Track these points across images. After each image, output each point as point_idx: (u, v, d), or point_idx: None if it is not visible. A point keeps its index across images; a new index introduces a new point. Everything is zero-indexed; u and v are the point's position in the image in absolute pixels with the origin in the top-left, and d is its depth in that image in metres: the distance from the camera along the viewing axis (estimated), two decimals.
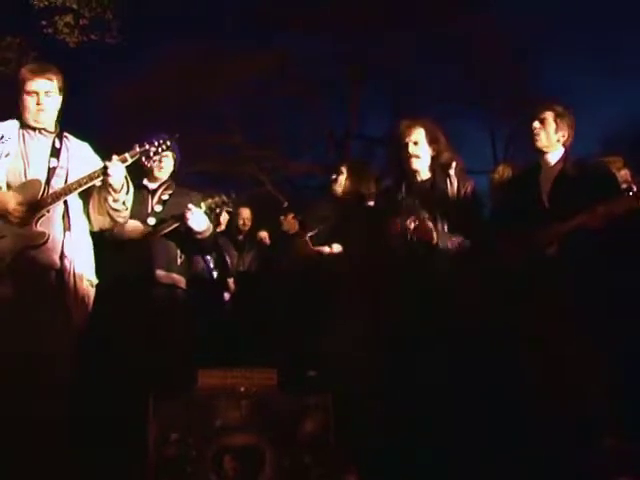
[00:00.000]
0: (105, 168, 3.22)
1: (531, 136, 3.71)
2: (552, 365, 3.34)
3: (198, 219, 3.90)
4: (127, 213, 3.52)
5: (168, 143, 3.53)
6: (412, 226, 3.63)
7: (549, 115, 3.67)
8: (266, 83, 15.17)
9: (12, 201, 3.11)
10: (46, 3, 11.17)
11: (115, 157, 3.26)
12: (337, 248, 4.32)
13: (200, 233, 3.94)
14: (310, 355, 4.12)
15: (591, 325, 3.30)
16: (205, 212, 3.98)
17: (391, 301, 3.53)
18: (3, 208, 3.10)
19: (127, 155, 3.33)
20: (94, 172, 3.23)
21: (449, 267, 3.54)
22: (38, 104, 3.24)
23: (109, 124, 13.13)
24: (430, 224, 3.61)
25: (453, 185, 3.72)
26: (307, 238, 4.38)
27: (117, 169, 3.25)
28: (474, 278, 3.57)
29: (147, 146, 3.41)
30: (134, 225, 3.84)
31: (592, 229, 3.35)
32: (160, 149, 3.47)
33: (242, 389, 3.01)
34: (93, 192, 3.33)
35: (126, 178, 3.35)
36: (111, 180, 3.23)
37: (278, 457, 2.91)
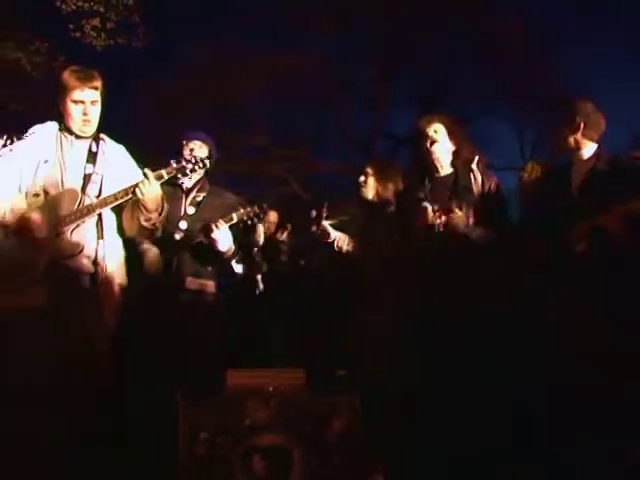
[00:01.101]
0: (136, 186, 3.19)
1: (561, 140, 3.69)
2: (583, 362, 3.31)
3: (223, 237, 3.88)
4: (157, 234, 3.53)
5: (206, 162, 3.47)
6: (438, 215, 3.63)
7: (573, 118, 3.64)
8: (292, 83, 15.16)
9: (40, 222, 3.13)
10: (74, 7, 11.27)
11: (150, 173, 3.23)
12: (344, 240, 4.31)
13: (222, 253, 3.94)
14: (338, 355, 4.12)
15: (622, 322, 3.27)
16: (235, 223, 3.96)
17: (418, 297, 3.52)
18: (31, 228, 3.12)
19: (163, 172, 3.28)
20: (130, 186, 3.21)
21: (475, 258, 3.53)
22: (85, 114, 3.26)
23: (136, 125, 13.22)
24: (456, 209, 3.60)
25: (477, 180, 3.72)
26: (324, 225, 4.34)
27: (151, 187, 3.21)
28: (499, 272, 3.55)
29: (184, 163, 3.36)
30: (154, 255, 3.86)
31: (613, 232, 3.31)
32: (197, 167, 3.41)
33: (271, 389, 3.01)
34: (126, 206, 3.32)
35: (162, 198, 3.31)
36: (144, 197, 3.21)
37: (306, 457, 2.91)
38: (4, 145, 3.17)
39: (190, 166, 3.36)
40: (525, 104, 15.39)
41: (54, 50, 11.84)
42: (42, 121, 3.39)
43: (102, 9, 11.44)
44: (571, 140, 3.63)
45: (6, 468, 2.97)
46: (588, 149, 3.65)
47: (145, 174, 3.22)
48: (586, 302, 3.33)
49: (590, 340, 3.29)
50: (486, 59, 15.81)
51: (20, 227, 3.10)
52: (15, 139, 3.18)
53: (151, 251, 3.82)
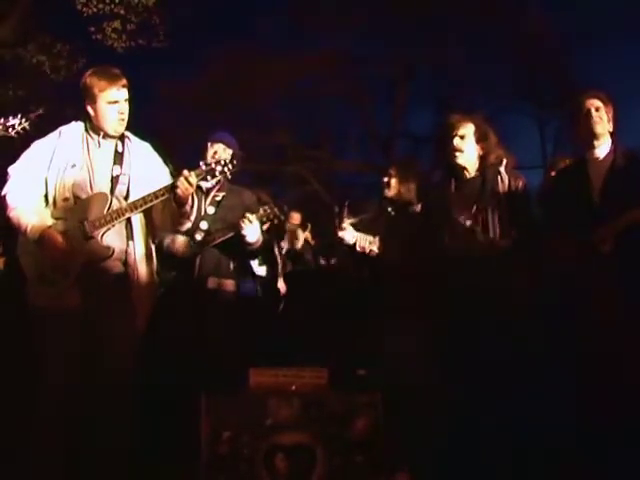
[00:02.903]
0: (173, 187, 3.17)
1: (587, 125, 3.62)
2: (611, 364, 3.28)
3: (253, 231, 3.89)
4: (190, 225, 3.55)
5: (235, 162, 3.38)
6: (467, 223, 3.59)
7: (599, 104, 3.60)
8: (314, 83, 15.19)
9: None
10: (95, 10, 11.38)
11: (186, 172, 3.18)
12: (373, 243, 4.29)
13: (251, 244, 3.95)
14: (361, 354, 4.12)
15: None
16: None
17: (443, 300, 3.50)
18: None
19: (193, 174, 3.23)
20: (159, 190, 3.19)
21: (504, 264, 3.49)
22: (121, 113, 3.26)
23: (158, 125, 13.27)
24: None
25: (504, 182, 3.63)
26: (347, 224, 4.32)
27: (188, 186, 3.17)
28: (527, 276, 3.52)
29: (213, 165, 3.30)
30: (183, 241, 3.88)
31: None
32: (226, 168, 3.33)
33: (293, 388, 3.01)
34: (158, 204, 3.29)
35: (192, 196, 3.29)
36: (178, 198, 3.19)
37: (329, 456, 2.90)
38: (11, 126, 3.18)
39: (219, 168, 3.31)
40: (546, 101, 15.32)
41: (75, 53, 11.95)
42: (58, 122, 3.40)
43: (122, 11, 11.53)
44: (607, 131, 3.60)
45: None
46: (605, 146, 3.61)
47: (185, 175, 3.16)
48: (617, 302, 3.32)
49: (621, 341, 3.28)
50: (506, 57, 15.75)
51: (41, 242, 3.11)
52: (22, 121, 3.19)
53: (179, 239, 3.84)
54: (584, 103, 3.64)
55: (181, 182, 3.16)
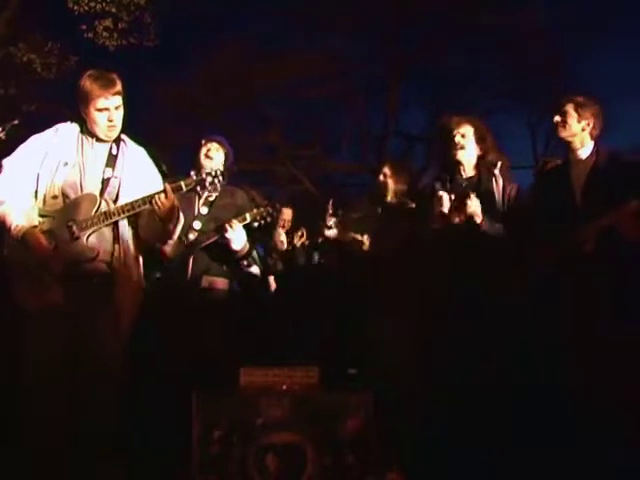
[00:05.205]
0: (153, 196, 3.18)
1: (554, 129, 3.69)
2: (588, 363, 3.29)
3: (237, 236, 3.91)
4: (173, 242, 3.61)
5: (225, 175, 3.43)
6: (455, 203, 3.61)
7: (569, 107, 3.64)
8: (306, 82, 15.18)
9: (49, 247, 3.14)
10: (86, 8, 11.37)
11: (169, 188, 3.21)
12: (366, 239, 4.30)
13: (236, 252, 3.96)
14: (352, 354, 4.12)
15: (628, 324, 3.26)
16: (249, 223, 3.98)
17: (433, 297, 3.51)
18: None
19: (182, 183, 3.27)
20: (148, 196, 3.20)
21: (493, 254, 3.51)
22: (110, 120, 3.25)
23: (150, 125, 13.25)
24: (476, 202, 3.58)
25: (499, 184, 3.67)
26: (335, 222, 4.33)
27: (168, 201, 3.19)
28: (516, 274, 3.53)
29: (204, 175, 3.33)
30: (171, 244, 3.87)
31: (625, 230, 3.29)
32: (216, 180, 3.36)
33: (284, 387, 3.01)
34: (142, 213, 3.31)
35: (178, 209, 3.30)
36: (160, 210, 3.20)
37: (320, 455, 2.90)
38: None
39: (210, 179, 3.33)
40: (539, 102, 15.35)
41: (66, 51, 11.93)
42: (52, 122, 3.40)
43: (114, 9, 11.52)
44: (578, 131, 3.62)
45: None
46: (586, 148, 3.63)
47: (165, 189, 3.20)
48: (596, 301, 3.33)
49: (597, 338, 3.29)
50: (499, 57, 15.77)
51: (25, 242, 3.11)
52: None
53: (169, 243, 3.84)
54: (554, 110, 3.69)
55: (159, 195, 3.18)
